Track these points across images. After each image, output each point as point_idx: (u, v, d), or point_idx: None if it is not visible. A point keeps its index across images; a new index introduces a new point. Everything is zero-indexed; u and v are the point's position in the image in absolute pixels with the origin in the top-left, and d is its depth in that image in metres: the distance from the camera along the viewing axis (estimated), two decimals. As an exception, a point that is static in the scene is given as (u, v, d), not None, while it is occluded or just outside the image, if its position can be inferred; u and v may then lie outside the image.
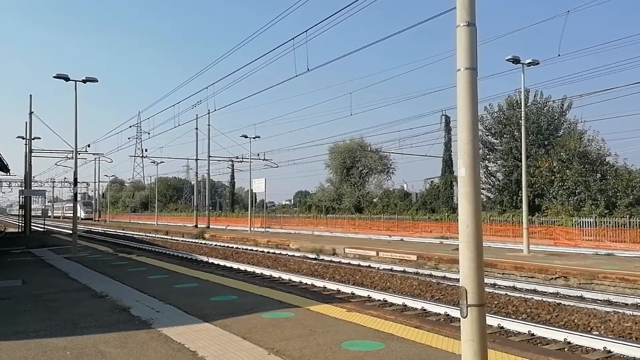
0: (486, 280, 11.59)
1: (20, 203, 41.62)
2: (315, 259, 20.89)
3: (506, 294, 12.13)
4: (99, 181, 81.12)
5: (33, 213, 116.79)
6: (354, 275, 15.84)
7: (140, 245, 29.89)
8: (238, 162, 51.53)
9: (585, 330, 8.90)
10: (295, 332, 6.82)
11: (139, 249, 26.16)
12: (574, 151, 34.84)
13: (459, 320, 4.27)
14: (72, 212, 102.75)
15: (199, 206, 54.15)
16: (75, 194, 20.96)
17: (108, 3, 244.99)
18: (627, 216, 26.83)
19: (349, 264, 19.04)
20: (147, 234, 41.95)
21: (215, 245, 29.42)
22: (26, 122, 33.80)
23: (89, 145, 43.97)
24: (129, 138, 58.65)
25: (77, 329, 7.23)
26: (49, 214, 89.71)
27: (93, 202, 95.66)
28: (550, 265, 14.65)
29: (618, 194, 30.88)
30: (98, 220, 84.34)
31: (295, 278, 15.45)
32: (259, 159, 45.79)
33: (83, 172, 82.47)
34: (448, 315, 10.09)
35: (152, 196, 71.56)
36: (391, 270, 17.01)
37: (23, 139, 35.04)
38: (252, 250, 25.76)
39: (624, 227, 25.61)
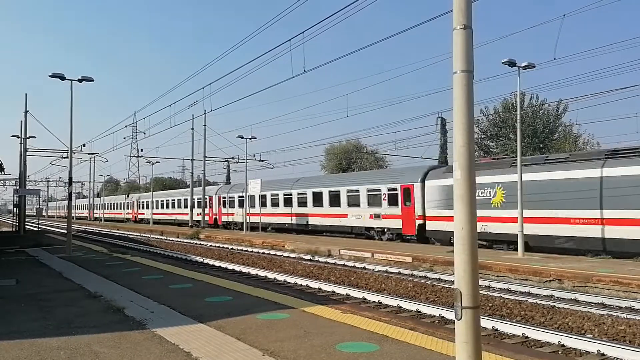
0: (481, 283, 11.60)
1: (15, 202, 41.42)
2: (310, 260, 20.87)
3: (500, 296, 12.15)
4: (94, 181, 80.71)
5: (52, 213, 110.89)
6: (349, 277, 15.83)
7: (134, 245, 29.79)
8: (234, 162, 51.37)
9: (579, 333, 8.93)
10: (289, 333, 6.81)
11: (134, 249, 26.08)
12: (569, 154, 35.02)
13: (454, 322, 4.28)
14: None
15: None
16: (70, 194, 20.88)
17: (105, 3, 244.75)
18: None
19: (344, 265, 19.04)
20: (142, 234, 41.82)
21: (210, 245, 29.37)
22: (21, 121, 33.65)
23: (84, 145, 43.83)
24: (124, 138, 58.40)
25: (71, 329, 7.21)
26: (44, 213, 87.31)
27: None
28: (544, 268, 14.68)
29: (613, 197, 30.78)
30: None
31: (291, 279, 15.44)
32: (255, 159, 45.68)
33: (78, 172, 78.88)
34: (443, 317, 10.09)
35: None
36: (386, 272, 17.01)
37: (18, 137, 34.87)
38: (247, 251, 25.72)
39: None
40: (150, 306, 8.81)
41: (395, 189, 26.12)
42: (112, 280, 11.99)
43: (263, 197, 36.58)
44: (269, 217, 36.75)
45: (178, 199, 52.74)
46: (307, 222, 32.89)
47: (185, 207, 49.40)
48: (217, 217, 43.97)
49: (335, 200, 30.34)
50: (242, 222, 36.98)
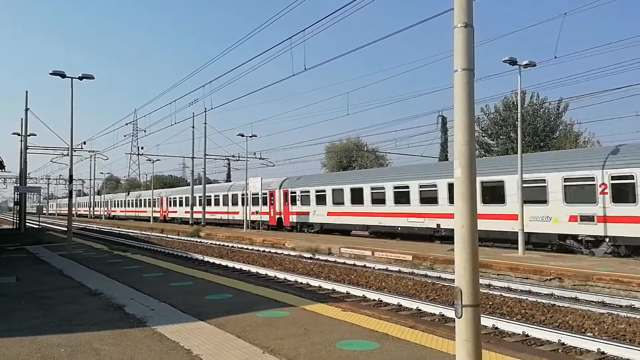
0: (481, 281, 11.61)
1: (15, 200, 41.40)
2: (310, 258, 20.89)
3: (501, 294, 12.16)
4: (94, 178, 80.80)
5: (52, 210, 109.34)
6: (349, 275, 15.85)
7: (135, 243, 29.83)
8: (234, 160, 51.43)
9: (580, 332, 8.93)
10: (290, 331, 6.82)
11: (134, 247, 26.11)
12: (569, 153, 34.94)
13: (454, 320, 4.28)
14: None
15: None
16: (71, 191, 20.90)
17: (107, 1, 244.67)
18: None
19: (344, 263, 19.05)
20: (142, 232, 41.84)
21: (211, 243, 29.38)
22: (22, 119, 33.59)
23: (84, 143, 43.83)
24: (125, 135, 58.41)
25: (72, 326, 7.22)
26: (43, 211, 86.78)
27: None
28: (545, 266, 14.68)
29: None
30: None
31: (291, 277, 15.45)
32: (256, 157, 45.72)
33: (78, 169, 77.88)
34: (443, 315, 10.10)
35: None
36: (386, 270, 17.02)
37: (18, 135, 34.84)
38: (247, 249, 25.75)
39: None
40: (151, 304, 8.82)
41: (631, 176, 17.25)
42: (113, 278, 12.01)
43: (357, 191, 27.92)
44: (364, 217, 27.59)
45: (224, 195, 42.97)
46: (439, 225, 23.49)
47: (235, 204, 40.65)
48: (282, 216, 34.85)
49: (493, 194, 21.16)
50: (322, 224, 30.23)
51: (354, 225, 28.83)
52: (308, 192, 32.28)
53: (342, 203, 29.06)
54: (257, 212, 36.88)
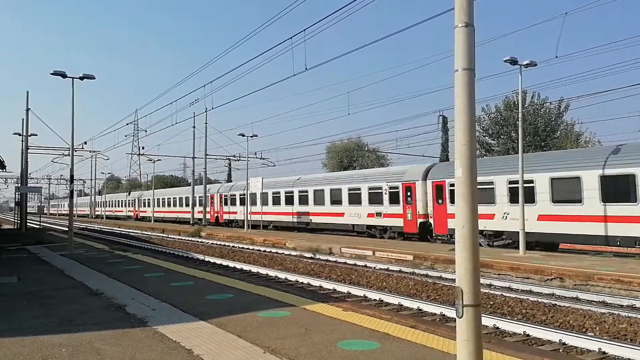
0: (482, 281, 11.59)
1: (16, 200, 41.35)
2: (311, 258, 20.88)
3: (502, 294, 12.16)
4: (95, 179, 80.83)
5: (53, 210, 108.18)
6: (350, 275, 15.84)
7: (136, 243, 29.84)
8: (235, 160, 51.47)
9: (581, 331, 8.93)
10: (291, 331, 6.82)
11: (135, 247, 26.12)
12: (570, 153, 34.88)
13: (455, 320, 4.28)
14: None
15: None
16: (72, 191, 20.92)
17: (109, 0, 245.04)
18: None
19: (345, 263, 19.04)
20: (143, 232, 41.85)
21: (212, 243, 29.38)
22: (23, 119, 33.52)
23: (85, 143, 43.84)
24: (125, 135, 58.39)
25: (73, 326, 7.23)
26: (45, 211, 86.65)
27: None
28: (546, 266, 14.67)
29: (614, 195, 30.43)
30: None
31: (292, 277, 15.45)
32: (256, 157, 45.72)
33: (79, 170, 77.61)
34: (444, 315, 10.10)
35: (149, 194, 67.95)
36: (387, 270, 17.01)
37: (19, 135, 34.82)
38: (248, 249, 25.75)
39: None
40: (152, 304, 8.83)
41: None
42: (114, 278, 12.02)
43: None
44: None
45: (306, 191, 32.54)
46: None
47: (319, 202, 31.04)
48: (431, 220, 24.18)
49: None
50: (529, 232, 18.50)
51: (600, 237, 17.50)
52: (492, 183, 20.69)
53: (579, 201, 17.71)
54: (377, 214, 27.02)
